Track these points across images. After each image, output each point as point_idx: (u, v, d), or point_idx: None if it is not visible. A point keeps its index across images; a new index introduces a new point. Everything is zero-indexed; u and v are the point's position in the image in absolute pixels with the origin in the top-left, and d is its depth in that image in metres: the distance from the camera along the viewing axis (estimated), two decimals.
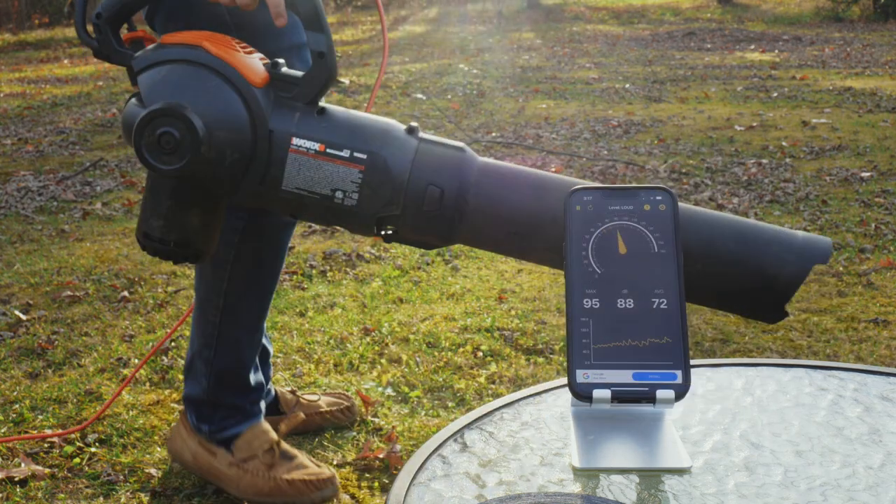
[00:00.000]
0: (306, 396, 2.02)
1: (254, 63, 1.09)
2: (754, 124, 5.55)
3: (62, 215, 3.96)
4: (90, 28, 1.16)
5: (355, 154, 1.05)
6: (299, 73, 1.09)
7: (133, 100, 1.11)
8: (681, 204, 1.00)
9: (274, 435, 1.72)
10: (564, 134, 5.49)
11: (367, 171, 1.05)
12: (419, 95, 7.29)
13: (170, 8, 1.44)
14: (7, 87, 8.62)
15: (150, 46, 1.13)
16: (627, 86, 7.44)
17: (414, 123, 1.11)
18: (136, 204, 4.09)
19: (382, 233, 1.11)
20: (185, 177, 1.05)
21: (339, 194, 1.05)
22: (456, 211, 1.05)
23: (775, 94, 6.68)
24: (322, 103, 1.11)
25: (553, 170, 4.51)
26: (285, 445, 1.73)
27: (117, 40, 1.13)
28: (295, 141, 1.05)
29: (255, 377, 1.72)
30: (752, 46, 10.21)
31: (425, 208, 1.05)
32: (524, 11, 16.83)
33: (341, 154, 1.05)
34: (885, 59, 8.53)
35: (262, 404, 1.77)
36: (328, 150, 1.05)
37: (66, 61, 10.93)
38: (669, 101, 6.61)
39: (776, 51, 9.71)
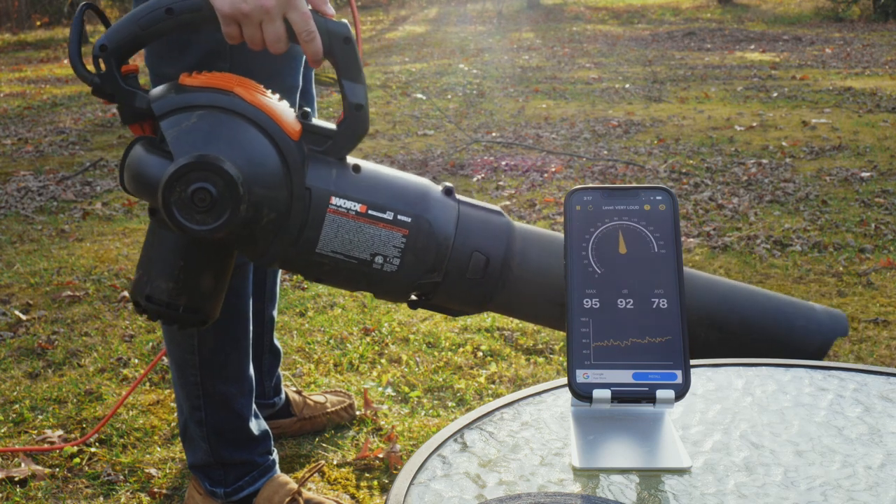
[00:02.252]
0: (313, 397, 2.02)
1: (289, 112, 0.99)
2: (754, 124, 5.54)
3: (62, 215, 3.96)
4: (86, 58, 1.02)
5: (399, 217, 0.96)
6: (332, 126, 1.00)
7: (139, 145, 0.97)
8: (718, 278, 0.99)
9: (294, 484, 1.63)
10: (564, 134, 5.49)
11: (412, 236, 0.96)
12: (419, 95, 7.29)
13: (161, 44, 1.29)
14: (7, 87, 8.62)
15: (165, 87, 0.99)
16: (627, 86, 7.44)
17: (449, 184, 1.04)
18: (136, 204, 4.09)
19: (413, 298, 1.03)
20: (218, 238, 0.94)
21: (379, 259, 0.96)
22: (500, 279, 0.99)
23: (775, 94, 6.68)
24: (355, 160, 1.01)
25: (553, 170, 4.51)
26: (308, 493, 1.65)
27: (121, 76, 1.00)
28: (335, 200, 0.95)
29: (258, 426, 1.61)
30: (752, 46, 10.21)
31: (468, 275, 0.98)
32: (524, 11, 16.83)
33: (384, 216, 0.96)
34: (885, 59, 8.53)
35: (275, 454, 1.67)
36: (370, 212, 0.95)
37: (65, 61, 10.92)
38: (669, 101, 6.61)
39: (776, 51, 9.71)
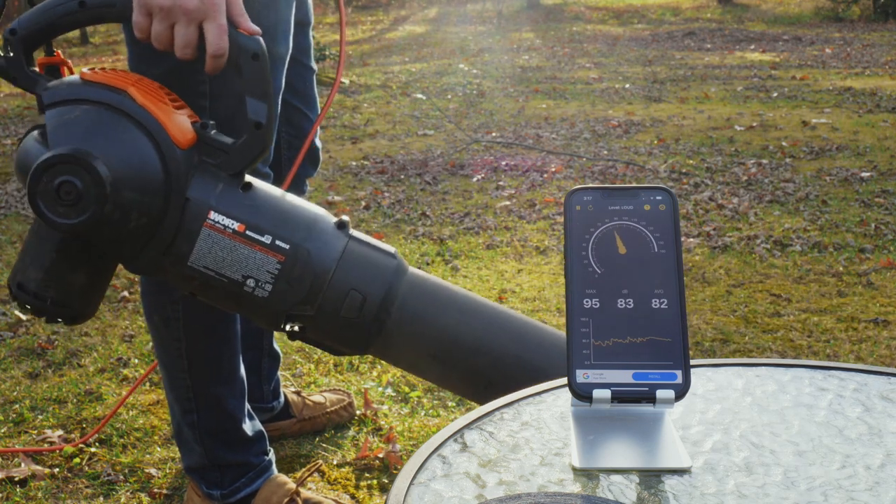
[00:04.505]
0: (312, 397, 2.01)
1: (181, 120, 0.97)
2: (754, 124, 5.54)
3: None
4: None
5: (277, 242, 0.93)
6: (229, 140, 0.97)
7: (35, 132, 0.96)
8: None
9: (292, 484, 1.62)
10: (564, 134, 5.48)
11: (287, 263, 0.93)
12: (419, 95, 7.28)
13: (140, 48, 1.22)
14: (7, 86, 8.62)
15: (68, 78, 0.98)
16: (627, 86, 7.44)
17: (346, 217, 1.00)
18: None
19: (287, 328, 0.99)
20: (80, 234, 0.92)
21: (250, 282, 0.93)
22: (375, 322, 0.94)
23: (775, 94, 6.68)
24: (249, 178, 0.98)
25: (553, 170, 4.51)
26: (306, 493, 1.63)
27: (29, 62, 1.00)
28: (213, 215, 0.93)
29: (252, 427, 1.60)
30: (752, 46, 10.20)
31: (342, 314, 0.94)
32: (524, 11, 16.83)
33: (262, 239, 0.93)
34: (885, 59, 8.53)
35: (272, 454, 1.66)
36: (248, 232, 0.92)
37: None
38: (669, 101, 6.60)
39: (776, 51, 9.71)
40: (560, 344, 0.97)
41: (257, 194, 0.96)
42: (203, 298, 0.99)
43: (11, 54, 0.98)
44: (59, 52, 1.08)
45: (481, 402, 0.96)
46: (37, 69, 1.02)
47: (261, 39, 1.00)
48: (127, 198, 0.91)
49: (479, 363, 0.95)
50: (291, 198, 1.00)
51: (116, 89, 0.95)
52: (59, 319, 0.99)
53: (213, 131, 0.99)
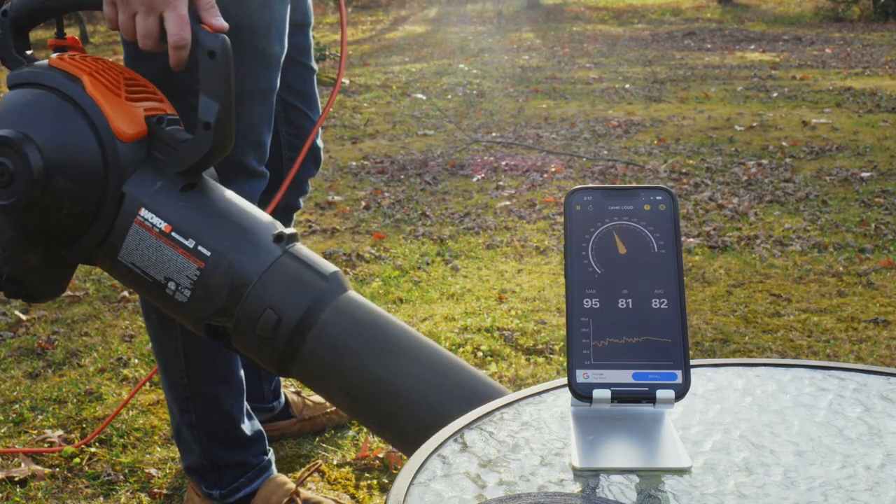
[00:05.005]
0: (312, 398, 2.01)
1: (132, 112, 0.95)
2: (754, 124, 5.54)
3: None
4: None
5: (199, 248, 0.91)
6: (183, 138, 0.96)
7: None
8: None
9: (292, 484, 1.61)
10: (564, 134, 5.49)
11: (207, 271, 0.90)
12: (419, 95, 7.29)
13: (136, 45, 1.21)
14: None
15: (39, 63, 0.99)
16: (627, 86, 7.44)
17: (289, 230, 0.96)
18: None
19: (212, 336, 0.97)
20: (10, 215, 0.92)
21: (171, 285, 0.92)
22: (289, 346, 0.91)
23: (775, 94, 6.68)
24: (206, 180, 0.97)
25: (553, 170, 4.51)
26: (306, 493, 1.63)
27: (17, 44, 1.01)
28: (143, 212, 0.92)
29: (251, 426, 1.59)
30: (752, 46, 10.20)
31: (258, 331, 0.91)
32: (524, 11, 16.83)
33: (185, 242, 0.91)
34: (885, 59, 8.53)
35: (271, 454, 1.65)
36: (173, 234, 0.91)
37: None
38: (669, 101, 6.60)
39: (776, 51, 9.70)
40: (482, 393, 0.93)
41: (197, 196, 0.94)
42: (141, 294, 0.99)
43: (0, 35, 1.00)
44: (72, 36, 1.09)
45: (396, 446, 0.92)
46: (26, 53, 1.04)
47: (224, 37, 0.99)
48: (59, 185, 0.91)
49: (392, 407, 0.91)
50: (239, 205, 0.97)
51: (72, 76, 0.95)
52: (16, 296, 1.00)
53: (171, 127, 0.98)
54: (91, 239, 0.93)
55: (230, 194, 0.99)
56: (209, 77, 0.96)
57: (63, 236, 0.94)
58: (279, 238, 0.95)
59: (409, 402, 0.91)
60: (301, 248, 0.98)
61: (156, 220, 0.92)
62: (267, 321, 0.91)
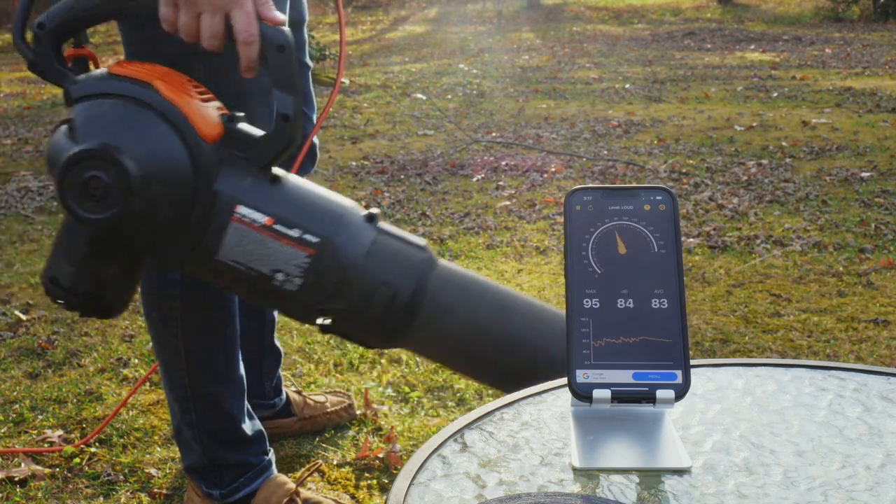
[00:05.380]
0: (313, 397, 2.01)
1: (209, 113, 0.96)
2: (754, 124, 5.55)
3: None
4: (29, 36, 1.00)
5: (306, 236, 0.92)
6: (258, 133, 0.96)
7: (64, 127, 0.96)
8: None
9: (292, 484, 1.61)
10: (564, 134, 5.49)
11: (316, 258, 0.92)
12: (419, 95, 7.29)
13: (136, 44, 1.22)
14: (7, 87, 8.62)
15: (96, 72, 0.98)
16: (627, 86, 7.44)
17: (375, 210, 0.99)
18: None
19: (319, 321, 0.97)
20: (107, 229, 0.91)
21: (279, 276, 0.92)
22: (406, 316, 0.94)
23: (775, 94, 6.68)
24: (277, 171, 0.97)
25: (553, 170, 4.51)
26: (306, 493, 1.63)
27: (58, 56, 0.99)
28: (240, 209, 0.92)
29: (251, 426, 1.59)
30: (752, 46, 10.21)
31: (373, 308, 0.93)
32: (524, 11, 16.83)
33: (290, 233, 0.92)
34: (885, 59, 8.53)
35: (272, 454, 1.65)
36: (276, 226, 0.92)
37: None
38: (669, 101, 6.61)
39: (776, 51, 9.71)
40: None
41: (286, 187, 0.95)
42: (233, 293, 0.99)
43: (40, 48, 0.97)
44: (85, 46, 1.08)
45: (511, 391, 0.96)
46: (65, 62, 1.01)
47: (287, 30, 0.99)
48: (154, 192, 0.90)
49: (511, 358, 0.94)
50: (320, 190, 0.99)
51: (142, 83, 0.94)
52: (93, 313, 0.98)
53: (240, 124, 0.98)
54: (185, 243, 0.93)
55: (307, 182, 1.00)
56: (281, 71, 0.96)
57: (157, 244, 0.93)
58: (370, 218, 0.98)
59: (526, 350, 0.95)
60: (387, 225, 1.01)
61: (256, 216, 0.92)
62: (382, 297, 0.93)
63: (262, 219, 0.92)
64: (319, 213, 0.95)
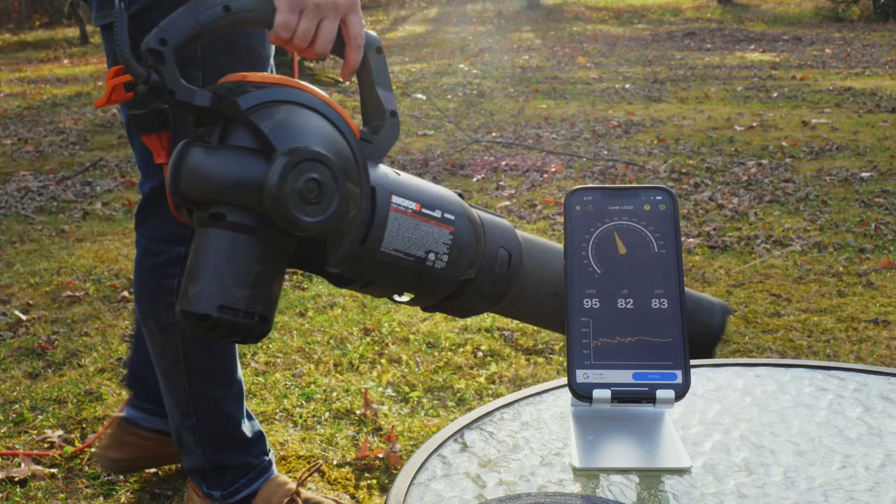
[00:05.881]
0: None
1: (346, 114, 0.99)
2: (754, 124, 5.55)
3: (62, 215, 3.96)
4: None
5: (446, 215, 1.00)
6: (369, 130, 1.01)
7: (198, 148, 0.91)
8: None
9: (292, 485, 1.60)
10: (564, 134, 5.49)
11: (457, 233, 1.00)
12: (419, 95, 7.29)
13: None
14: (7, 87, 8.62)
15: (224, 85, 0.95)
16: (627, 86, 7.44)
17: (460, 191, 1.09)
18: (136, 204, 4.09)
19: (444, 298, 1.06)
20: (319, 233, 0.91)
21: (431, 256, 0.99)
22: (516, 274, 1.05)
23: (775, 94, 6.68)
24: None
25: (553, 170, 4.51)
26: (306, 493, 1.62)
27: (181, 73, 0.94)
28: (395, 199, 0.97)
29: (251, 427, 1.59)
30: (752, 46, 10.21)
31: (496, 270, 1.04)
32: (524, 11, 16.83)
33: (434, 214, 0.99)
34: (885, 59, 8.53)
35: (272, 454, 1.64)
36: (424, 210, 0.99)
37: (66, 61, 10.93)
38: (669, 101, 6.61)
39: (776, 51, 9.71)
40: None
41: (407, 177, 1.03)
42: (380, 285, 1.01)
43: (166, 67, 0.92)
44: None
45: None
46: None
47: (377, 35, 1.06)
48: (349, 189, 0.93)
49: None
50: (416, 177, 1.07)
51: (295, 88, 0.95)
52: (260, 337, 0.96)
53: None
54: (355, 238, 0.95)
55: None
56: (381, 71, 1.03)
57: (336, 244, 0.95)
58: (461, 196, 1.07)
59: None
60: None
61: (407, 203, 0.98)
62: (503, 258, 1.04)
63: (412, 205, 0.99)
64: (443, 195, 1.02)
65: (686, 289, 1.00)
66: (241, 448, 1.58)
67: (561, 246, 1.08)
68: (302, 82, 0.98)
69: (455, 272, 1.01)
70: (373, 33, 1.05)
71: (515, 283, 1.05)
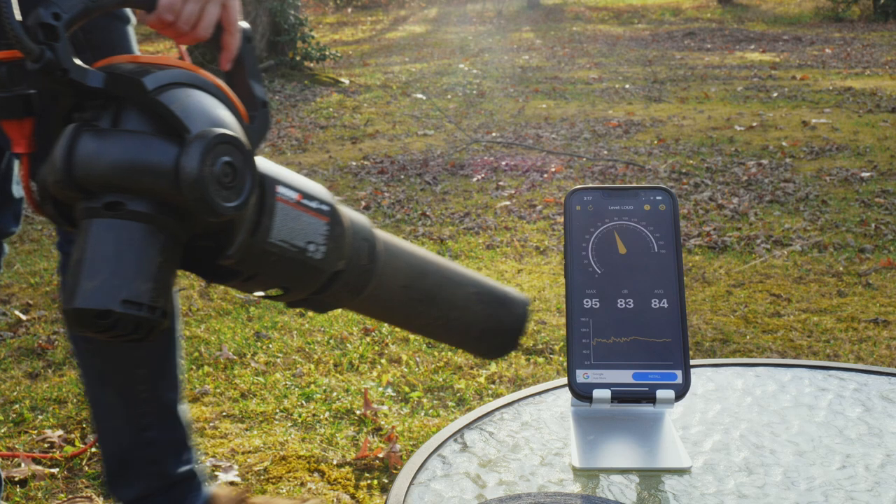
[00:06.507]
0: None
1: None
2: (754, 124, 5.55)
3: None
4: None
5: (322, 206, 0.97)
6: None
7: (88, 133, 0.86)
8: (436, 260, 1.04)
9: (237, 490, 1.55)
10: (564, 134, 5.49)
11: (331, 224, 0.97)
12: (419, 95, 7.29)
13: None
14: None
15: (121, 64, 0.92)
16: (627, 86, 7.44)
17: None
18: None
19: (270, 293, 1.00)
20: (230, 219, 0.89)
21: (311, 247, 0.96)
22: (375, 264, 1.01)
23: (775, 94, 6.68)
24: None
25: (553, 170, 4.51)
26: (255, 498, 1.57)
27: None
28: (279, 189, 0.93)
29: (189, 433, 1.51)
30: (752, 46, 10.21)
31: (361, 262, 1.00)
32: (524, 11, 16.83)
33: (311, 205, 0.96)
34: (885, 59, 8.54)
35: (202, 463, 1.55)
36: (304, 201, 0.95)
37: None
38: (669, 101, 6.61)
39: (776, 51, 9.71)
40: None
41: (282, 167, 0.99)
42: (259, 279, 0.99)
43: (60, 43, 0.86)
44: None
45: (470, 347, 1.00)
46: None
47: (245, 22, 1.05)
48: (255, 174, 0.90)
49: (458, 294, 1.01)
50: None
51: (193, 70, 0.92)
52: (159, 333, 0.91)
53: None
54: (246, 229, 0.91)
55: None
56: (251, 60, 1.00)
57: (233, 234, 0.91)
58: None
59: (465, 289, 1.04)
60: None
61: (290, 193, 0.95)
62: (367, 250, 1.01)
63: (295, 195, 0.95)
64: (313, 185, 0.99)
65: (487, 280, 0.98)
66: (189, 455, 1.50)
67: (407, 242, 1.07)
68: (193, 65, 0.97)
69: (330, 263, 0.98)
70: (245, 22, 1.03)
71: (374, 275, 1.03)
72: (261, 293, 1.03)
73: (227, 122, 0.91)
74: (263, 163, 0.96)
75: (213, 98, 0.93)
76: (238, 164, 0.87)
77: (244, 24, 1.04)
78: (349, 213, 1.04)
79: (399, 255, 1.08)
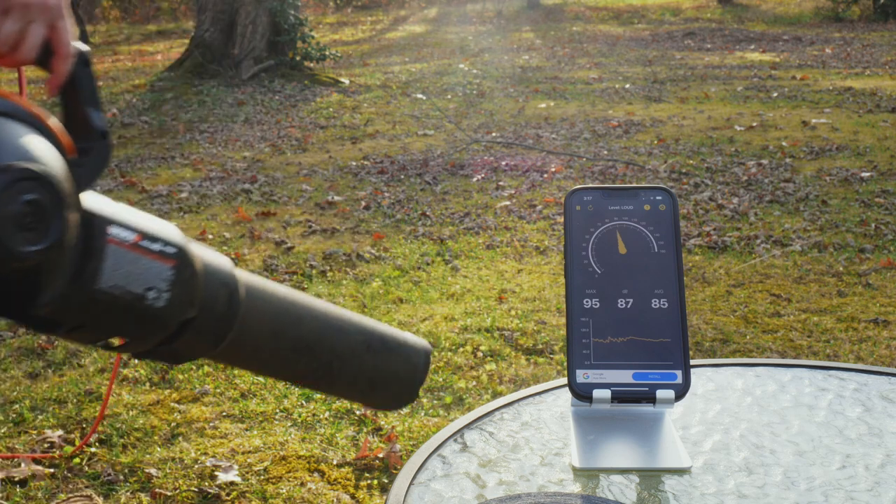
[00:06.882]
0: None
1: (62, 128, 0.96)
2: (754, 124, 5.55)
3: None
4: None
5: (166, 248, 0.84)
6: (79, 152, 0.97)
7: None
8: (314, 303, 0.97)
9: None
10: (564, 134, 5.49)
11: (178, 268, 0.85)
12: (419, 95, 7.29)
13: None
14: (7, 87, 8.61)
15: None
16: (627, 86, 7.44)
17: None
18: (136, 204, 4.09)
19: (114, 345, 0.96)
20: (37, 264, 0.86)
21: (152, 294, 0.84)
22: (236, 311, 0.89)
23: (775, 94, 6.68)
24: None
25: (553, 170, 4.51)
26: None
27: None
28: (112, 229, 0.81)
29: None
30: (752, 46, 10.21)
31: (218, 309, 0.88)
32: (524, 11, 16.82)
33: (153, 246, 0.83)
34: (885, 59, 8.54)
35: None
36: (143, 242, 0.83)
37: None
38: (669, 101, 6.61)
39: (776, 51, 9.71)
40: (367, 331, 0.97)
41: (122, 206, 0.92)
42: (87, 329, 0.91)
43: None
44: None
45: (360, 399, 0.95)
46: None
47: (84, 44, 0.99)
48: (70, 214, 0.86)
49: (342, 343, 0.96)
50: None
51: (9, 101, 0.89)
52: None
53: None
54: (66, 273, 0.87)
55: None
56: (89, 85, 0.91)
57: (52, 277, 0.88)
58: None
59: (338, 336, 0.96)
60: None
61: (125, 234, 0.88)
62: (225, 296, 0.92)
63: (132, 236, 0.90)
64: (158, 226, 0.93)
65: (380, 326, 0.94)
66: None
67: (281, 286, 1.00)
68: (4, 89, 0.92)
69: (176, 312, 0.86)
70: (82, 44, 0.96)
71: (236, 322, 0.91)
72: (97, 344, 0.94)
73: (38, 154, 0.84)
74: (95, 200, 0.88)
75: (22, 127, 0.86)
76: (46, 203, 0.74)
77: (82, 46, 0.96)
78: (204, 255, 0.96)
79: (267, 300, 0.97)
